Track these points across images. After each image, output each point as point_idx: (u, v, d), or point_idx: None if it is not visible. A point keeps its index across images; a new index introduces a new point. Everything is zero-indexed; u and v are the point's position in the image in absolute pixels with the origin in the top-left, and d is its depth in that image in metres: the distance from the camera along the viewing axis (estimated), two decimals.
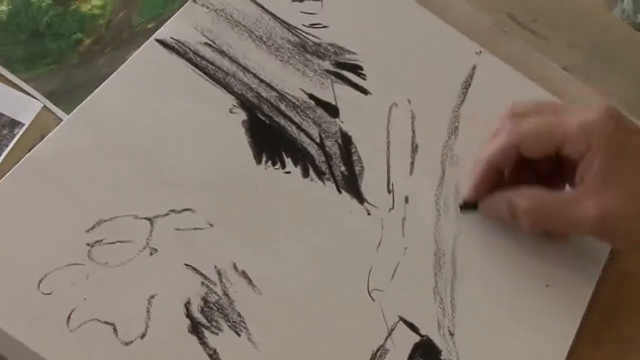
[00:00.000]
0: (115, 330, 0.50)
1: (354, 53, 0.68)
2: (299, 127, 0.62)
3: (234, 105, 0.62)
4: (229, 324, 0.52)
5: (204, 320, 0.51)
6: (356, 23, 0.71)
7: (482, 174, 0.59)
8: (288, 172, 0.60)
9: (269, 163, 0.60)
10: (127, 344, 0.49)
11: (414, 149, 0.64)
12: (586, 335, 0.60)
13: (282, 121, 0.62)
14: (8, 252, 0.51)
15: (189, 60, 0.63)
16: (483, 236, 0.60)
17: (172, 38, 0.64)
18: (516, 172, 0.59)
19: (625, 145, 0.55)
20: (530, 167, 0.60)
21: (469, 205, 0.60)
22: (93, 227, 0.53)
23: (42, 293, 0.50)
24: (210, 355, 0.50)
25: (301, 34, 0.68)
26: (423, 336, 0.56)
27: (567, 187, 0.61)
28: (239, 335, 0.52)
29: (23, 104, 0.62)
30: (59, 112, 0.63)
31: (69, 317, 0.49)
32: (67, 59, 0.67)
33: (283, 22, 0.68)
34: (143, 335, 0.50)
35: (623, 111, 0.57)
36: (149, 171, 0.57)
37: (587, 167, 0.55)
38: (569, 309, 0.59)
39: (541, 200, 0.57)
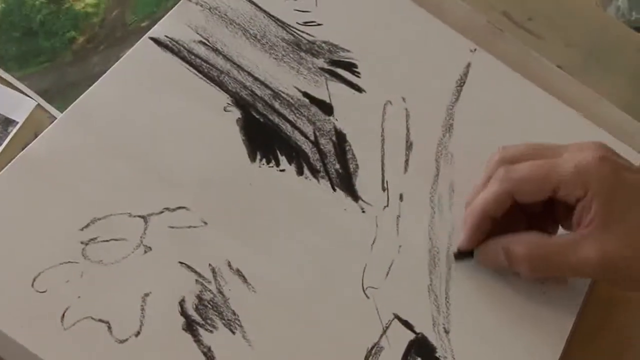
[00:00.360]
0: (109, 328, 0.50)
1: (348, 51, 0.68)
2: (293, 125, 0.62)
3: (228, 104, 0.62)
4: (223, 321, 0.52)
5: (198, 318, 0.51)
6: (350, 21, 0.71)
7: (476, 222, 0.58)
8: (282, 170, 0.60)
9: (264, 161, 0.60)
10: (121, 341, 0.49)
11: (409, 146, 0.64)
12: (582, 329, 0.60)
13: (277, 119, 0.62)
14: (2, 250, 0.51)
15: (183, 59, 0.63)
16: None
17: (165, 36, 0.63)
18: (508, 216, 0.58)
19: (621, 186, 0.54)
20: (523, 211, 0.59)
21: (463, 254, 0.59)
22: (87, 225, 0.53)
23: (37, 291, 0.50)
24: (204, 353, 0.50)
25: (295, 32, 0.68)
26: (418, 334, 0.56)
27: (560, 227, 0.60)
28: (233, 333, 0.52)
29: (16, 102, 0.62)
30: (52, 110, 0.63)
31: (64, 315, 0.49)
32: (61, 57, 0.66)
33: (277, 20, 0.68)
34: (138, 333, 0.50)
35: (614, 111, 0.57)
36: (142, 169, 0.57)
37: (585, 211, 0.54)
38: (564, 305, 0.59)
39: (538, 245, 0.56)
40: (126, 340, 0.50)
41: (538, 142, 0.59)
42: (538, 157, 0.57)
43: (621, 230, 0.54)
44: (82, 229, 0.53)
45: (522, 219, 0.59)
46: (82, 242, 0.52)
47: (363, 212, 0.60)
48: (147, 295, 0.51)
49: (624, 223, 0.54)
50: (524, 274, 0.57)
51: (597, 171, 0.54)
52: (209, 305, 0.52)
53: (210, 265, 0.54)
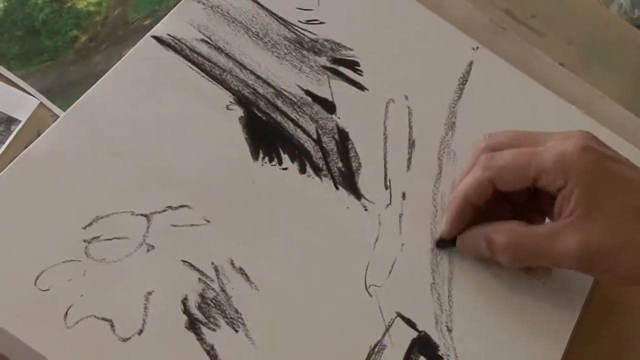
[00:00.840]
0: (112, 326, 0.50)
1: (350, 49, 0.68)
2: (295, 123, 0.62)
3: (231, 102, 0.62)
4: (226, 320, 0.52)
5: (201, 317, 0.51)
6: (353, 19, 0.71)
7: (458, 209, 0.57)
8: (285, 169, 0.60)
9: (266, 159, 0.60)
10: (124, 340, 0.49)
11: (411, 145, 0.64)
12: (582, 330, 0.60)
13: (279, 117, 0.62)
14: (5, 248, 0.51)
15: (185, 57, 0.63)
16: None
17: (168, 35, 0.63)
18: (493, 205, 0.58)
19: (602, 176, 0.54)
20: (507, 200, 0.59)
21: (445, 242, 0.59)
22: (90, 224, 0.53)
23: (39, 289, 0.50)
24: (207, 352, 0.50)
25: (297, 30, 0.68)
26: (420, 332, 0.56)
27: (547, 219, 0.60)
28: (236, 331, 0.52)
29: (19, 101, 0.62)
30: (55, 109, 0.63)
31: (66, 313, 0.49)
32: (63, 56, 0.66)
33: (279, 19, 0.68)
34: (140, 332, 0.50)
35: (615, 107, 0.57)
36: (145, 167, 0.57)
37: (565, 201, 0.54)
38: (566, 305, 0.59)
39: (520, 234, 0.56)
40: (129, 338, 0.50)
41: (524, 130, 0.59)
42: (522, 146, 0.56)
43: (602, 219, 0.53)
44: (84, 228, 0.53)
45: (507, 209, 0.59)
46: (84, 241, 0.52)
47: (366, 210, 0.60)
48: (150, 293, 0.51)
49: (605, 212, 0.53)
50: (505, 263, 0.57)
51: (578, 160, 0.54)
52: (212, 304, 0.52)
53: (212, 263, 0.54)
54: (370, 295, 0.56)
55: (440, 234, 0.59)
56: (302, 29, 0.68)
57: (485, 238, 0.56)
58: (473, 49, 0.72)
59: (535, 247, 0.55)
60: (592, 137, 0.56)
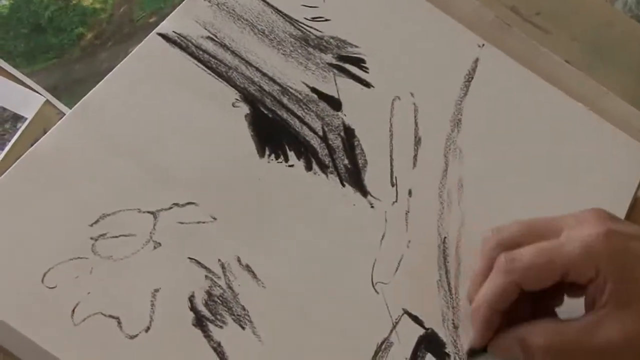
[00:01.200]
0: (119, 323, 0.50)
1: (356, 46, 0.68)
2: (301, 120, 0.62)
3: (237, 99, 0.62)
4: (233, 317, 0.52)
5: (208, 314, 0.51)
6: (358, 16, 0.71)
7: (486, 318, 0.54)
8: (291, 166, 0.60)
9: (272, 156, 0.60)
10: (131, 337, 0.49)
11: (417, 142, 0.64)
12: None
13: (285, 115, 0.62)
14: (12, 246, 0.51)
15: (191, 54, 0.63)
16: (487, 229, 0.59)
17: (174, 32, 0.63)
18: (524, 308, 0.55)
19: (633, 260, 0.51)
20: (539, 303, 0.56)
21: (477, 351, 0.56)
22: (96, 221, 0.53)
23: (46, 287, 0.50)
24: (214, 349, 0.50)
25: (303, 28, 0.68)
26: (427, 329, 0.56)
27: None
28: (243, 328, 0.52)
29: (25, 99, 0.62)
30: (61, 107, 0.63)
31: (73, 311, 0.49)
32: (69, 54, 0.66)
33: (285, 16, 0.68)
34: (147, 329, 0.50)
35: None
36: (151, 165, 0.57)
37: (599, 291, 0.51)
38: (572, 300, 0.59)
39: (556, 333, 0.52)
40: (136, 335, 0.50)
41: (531, 219, 0.56)
42: (537, 239, 0.53)
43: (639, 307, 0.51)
44: (91, 225, 0.53)
45: (526, 297, 0.55)
46: (91, 238, 0.52)
47: (372, 207, 0.60)
48: (156, 290, 0.51)
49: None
50: None
51: (605, 249, 0.51)
52: (219, 301, 0.52)
53: (219, 260, 0.54)
54: (377, 293, 0.56)
55: (470, 344, 0.56)
56: (307, 26, 0.68)
57: (518, 342, 0.53)
58: (479, 46, 0.72)
59: (574, 344, 0.52)
60: (607, 215, 0.54)
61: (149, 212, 0.54)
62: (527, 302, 0.54)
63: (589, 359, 0.53)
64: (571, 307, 0.55)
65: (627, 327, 0.50)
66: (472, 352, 0.56)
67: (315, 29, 0.68)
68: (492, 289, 0.53)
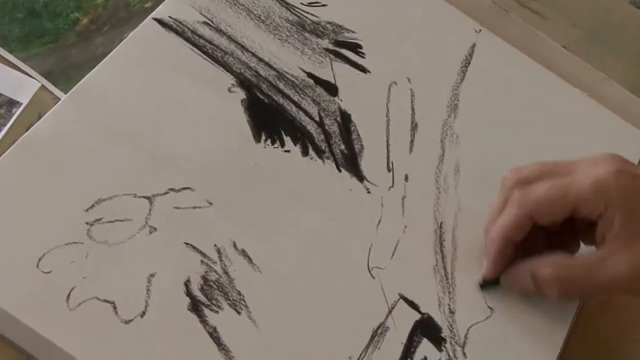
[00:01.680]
0: (115, 308, 0.50)
1: (352, 31, 0.68)
2: (298, 105, 0.62)
3: (233, 84, 0.62)
4: (229, 302, 0.52)
5: (203, 299, 0.51)
6: (355, 1, 0.71)
7: (499, 249, 0.56)
8: (287, 151, 0.60)
9: (268, 142, 0.60)
10: (127, 322, 0.49)
11: (414, 127, 0.64)
12: (582, 318, 0.60)
13: (281, 100, 0.62)
14: (7, 231, 0.51)
15: (187, 39, 0.63)
16: (483, 214, 0.59)
17: (169, 17, 0.63)
18: (529, 237, 0.56)
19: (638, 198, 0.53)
20: (543, 230, 0.57)
21: (489, 282, 0.58)
22: (92, 206, 0.53)
23: (42, 272, 0.50)
24: (210, 334, 0.50)
25: (300, 13, 0.68)
26: (423, 314, 0.55)
27: (582, 244, 0.59)
28: (239, 313, 0.52)
29: (20, 83, 0.62)
30: (56, 92, 0.63)
31: (69, 295, 0.49)
32: (64, 38, 0.66)
33: (281, 1, 0.68)
34: (143, 314, 0.50)
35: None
36: (147, 150, 0.56)
37: (608, 226, 0.53)
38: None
39: (566, 266, 0.55)
40: (131, 320, 0.49)
41: (549, 160, 0.58)
42: (552, 176, 0.55)
43: None
44: (86, 210, 0.53)
45: (542, 238, 0.58)
46: (87, 223, 0.52)
47: (368, 192, 0.60)
48: (152, 275, 0.51)
49: None
50: (553, 296, 0.55)
51: (615, 185, 0.53)
52: (215, 286, 0.52)
53: (215, 245, 0.54)
54: (373, 278, 0.56)
55: (483, 275, 0.58)
56: (304, 11, 0.68)
57: (530, 273, 0.55)
58: (476, 31, 0.72)
59: (583, 277, 0.54)
60: (620, 158, 0.56)
61: (144, 197, 0.54)
62: (544, 248, 0.57)
63: (596, 291, 0.56)
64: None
65: (634, 260, 0.52)
66: (485, 284, 0.58)
67: (311, 14, 0.68)
68: (505, 220, 0.55)
